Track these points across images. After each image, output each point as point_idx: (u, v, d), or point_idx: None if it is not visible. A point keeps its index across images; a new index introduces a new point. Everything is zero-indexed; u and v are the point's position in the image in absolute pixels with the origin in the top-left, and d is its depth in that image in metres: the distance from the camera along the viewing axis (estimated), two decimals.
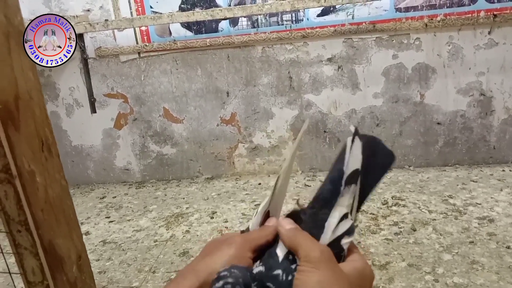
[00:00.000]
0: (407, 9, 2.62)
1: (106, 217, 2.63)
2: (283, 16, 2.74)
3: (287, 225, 0.43)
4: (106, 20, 2.70)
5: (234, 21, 2.79)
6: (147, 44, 2.88)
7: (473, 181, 2.58)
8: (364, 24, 2.66)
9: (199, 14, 2.55)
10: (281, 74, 2.86)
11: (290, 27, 2.75)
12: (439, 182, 2.62)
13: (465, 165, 2.84)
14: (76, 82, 3.05)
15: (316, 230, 0.42)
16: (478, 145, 2.81)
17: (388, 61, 2.73)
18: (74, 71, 3.01)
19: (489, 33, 2.59)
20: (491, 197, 2.34)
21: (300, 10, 2.69)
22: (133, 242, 2.26)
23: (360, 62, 2.76)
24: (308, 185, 2.80)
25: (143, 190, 3.05)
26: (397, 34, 2.66)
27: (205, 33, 2.84)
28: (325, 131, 2.93)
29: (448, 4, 2.57)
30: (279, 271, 0.38)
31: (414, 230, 2.06)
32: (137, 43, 2.91)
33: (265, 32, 2.76)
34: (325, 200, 0.43)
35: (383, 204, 2.37)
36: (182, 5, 2.79)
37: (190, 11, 2.61)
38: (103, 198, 2.98)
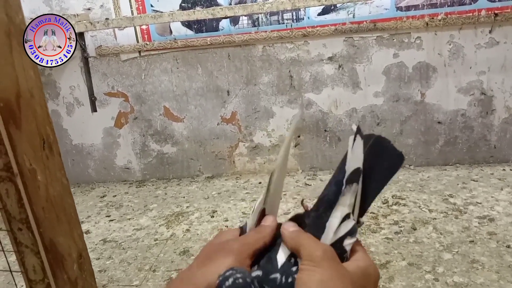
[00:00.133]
0: (408, 8, 2.61)
1: (106, 216, 2.63)
2: (284, 15, 2.74)
3: (290, 228, 0.42)
4: (107, 18, 2.70)
5: (234, 20, 2.79)
6: (148, 43, 2.88)
7: (474, 180, 2.58)
8: (365, 23, 2.66)
9: (199, 13, 2.55)
10: (281, 73, 2.86)
11: (291, 26, 2.75)
12: (439, 181, 2.62)
13: (465, 164, 2.84)
14: (76, 81, 3.05)
15: (318, 232, 0.41)
16: (479, 144, 2.81)
17: (388, 60, 2.73)
18: (74, 70, 3.01)
19: (490, 32, 2.59)
20: (492, 196, 2.34)
21: (301, 9, 2.69)
22: (134, 241, 2.26)
23: (360, 61, 2.76)
24: (308, 184, 2.80)
25: (144, 189, 3.05)
26: (398, 33, 2.66)
27: (205, 32, 2.84)
28: (325, 130, 2.93)
29: (449, 3, 2.57)
30: (277, 275, 0.38)
31: (415, 229, 2.06)
32: (137, 41, 2.91)
33: (265, 31, 2.76)
34: (329, 202, 0.43)
35: (384, 203, 2.37)
36: (183, 4, 2.79)
37: (191, 10, 2.61)
38: (103, 197, 2.98)
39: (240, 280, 0.35)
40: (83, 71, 2.97)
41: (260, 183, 2.91)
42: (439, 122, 2.80)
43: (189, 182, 3.09)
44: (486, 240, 1.91)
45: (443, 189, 2.49)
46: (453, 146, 2.84)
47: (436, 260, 1.80)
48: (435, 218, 2.15)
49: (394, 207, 2.32)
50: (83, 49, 2.89)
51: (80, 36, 2.85)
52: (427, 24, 2.59)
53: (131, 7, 2.83)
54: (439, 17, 2.58)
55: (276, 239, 0.43)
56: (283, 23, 2.75)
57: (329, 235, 0.40)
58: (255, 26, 2.78)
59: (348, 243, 0.40)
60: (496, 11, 2.52)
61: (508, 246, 1.84)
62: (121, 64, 2.97)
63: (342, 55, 2.76)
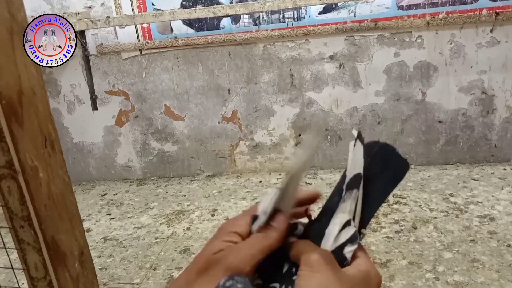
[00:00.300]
0: (409, 7, 2.61)
1: (107, 214, 2.64)
2: (285, 13, 2.74)
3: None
4: (108, 17, 2.70)
5: (235, 19, 2.79)
6: (149, 41, 2.88)
7: (474, 180, 2.58)
8: (366, 21, 2.66)
9: (200, 11, 2.55)
10: (282, 72, 2.85)
11: (292, 24, 2.74)
12: (440, 180, 2.62)
13: (466, 164, 2.84)
14: (77, 79, 3.05)
15: (318, 239, 0.40)
16: (480, 143, 2.81)
17: (389, 59, 2.73)
18: (75, 68, 3.01)
19: (491, 31, 2.58)
20: (492, 196, 2.34)
21: (302, 8, 2.69)
22: (134, 239, 2.27)
23: (361, 60, 2.76)
24: (309, 183, 2.80)
25: (144, 187, 3.05)
26: (399, 32, 2.66)
27: (206, 30, 2.84)
28: (326, 129, 2.93)
29: (450, 2, 2.57)
30: (276, 284, 0.37)
31: (415, 228, 2.06)
32: (138, 40, 2.91)
33: (266, 30, 2.76)
34: (331, 212, 0.41)
35: (384, 202, 2.37)
36: (184, 2, 2.78)
37: (192, 8, 2.60)
38: (104, 195, 2.99)
39: None
40: (84, 69, 2.97)
41: (260, 181, 2.91)
42: (440, 121, 2.80)
43: (190, 180, 3.09)
44: (487, 239, 1.91)
45: (444, 188, 2.49)
46: (453, 145, 2.84)
47: (437, 259, 1.80)
48: (436, 217, 2.15)
49: (395, 206, 2.32)
50: (84, 47, 2.89)
51: (81, 34, 2.85)
52: (428, 23, 2.59)
53: (132, 6, 2.83)
54: (440, 16, 2.58)
55: (285, 247, 0.40)
56: (284, 22, 2.75)
57: (329, 242, 0.39)
58: (256, 24, 2.78)
59: (348, 250, 0.39)
60: (497, 10, 2.52)
61: (509, 245, 1.84)
62: (122, 63, 2.97)
63: (343, 54, 2.76)
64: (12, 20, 0.82)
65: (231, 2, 2.73)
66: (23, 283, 1.49)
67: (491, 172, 2.67)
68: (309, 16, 2.72)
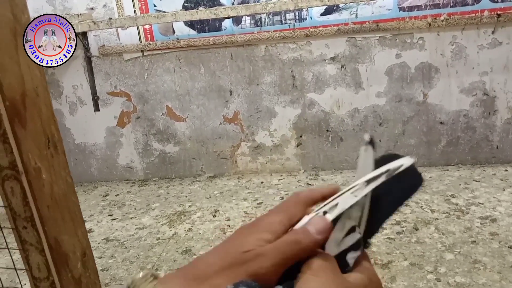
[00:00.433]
0: (410, 9, 2.62)
1: (109, 215, 2.64)
2: (287, 15, 2.74)
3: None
4: (110, 18, 2.71)
5: (237, 20, 2.80)
6: (151, 42, 2.89)
7: (476, 181, 2.58)
8: (367, 23, 2.66)
9: (202, 13, 2.56)
10: (284, 73, 2.86)
11: (294, 26, 2.75)
12: (441, 181, 2.62)
13: (467, 165, 2.84)
14: (79, 80, 3.05)
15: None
16: (481, 144, 2.80)
17: (391, 61, 2.73)
18: (77, 69, 3.02)
19: (492, 32, 2.58)
20: (494, 197, 2.34)
21: (304, 9, 2.69)
22: (136, 240, 2.27)
23: (363, 61, 2.76)
24: (310, 184, 2.80)
25: (146, 188, 3.06)
26: (400, 33, 2.66)
27: (208, 32, 2.84)
28: (327, 130, 2.93)
29: (451, 4, 2.57)
30: (279, 287, 0.36)
31: (417, 229, 2.06)
32: (140, 41, 2.91)
33: (268, 31, 2.76)
34: (337, 218, 0.40)
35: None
36: (186, 4, 2.79)
37: (194, 10, 2.61)
38: (106, 196, 2.99)
39: None
40: (86, 71, 2.98)
41: (262, 182, 2.91)
42: (441, 123, 2.80)
43: (191, 181, 3.09)
44: (488, 240, 1.91)
45: (445, 190, 2.49)
46: (455, 147, 2.83)
47: (438, 260, 1.80)
48: (437, 219, 2.15)
49: None
50: (86, 49, 2.90)
51: (83, 35, 2.86)
52: (429, 24, 2.59)
53: (134, 7, 2.84)
54: (442, 18, 2.58)
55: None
56: (286, 23, 2.76)
57: (331, 247, 0.38)
58: (257, 26, 2.79)
59: (351, 256, 0.38)
60: (499, 12, 2.52)
61: (510, 247, 1.84)
62: (124, 64, 2.98)
63: (345, 55, 2.76)
64: (16, 21, 0.82)
65: (233, 4, 2.73)
66: (25, 283, 1.50)
67: (493, 173, 2.67)
68: (311, 18, 2.73)
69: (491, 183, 2.52)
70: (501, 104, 2.71)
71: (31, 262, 0.90)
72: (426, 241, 1.96)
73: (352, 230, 0.38)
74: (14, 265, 1.10)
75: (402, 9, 2.62)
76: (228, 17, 2.66)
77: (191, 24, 2.85)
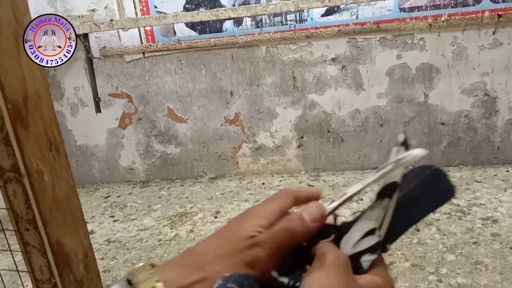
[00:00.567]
0: (411, 9, 2.62)
1: (110, 216, 2.65)
2: (287, 16, 2.74)
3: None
4: (111, 20, 2.72)
5: (238, 21, 2.80)
6: (152, 44, 2.90)
7: (477, 182, 2.58)
8: (368, 24, 2.66)
9: (203, 14, 2.56)
10: (285, 74, 2.86)
11: (294, 27, 2.75)
12: None
13: (469, 166, 2.84)
14: (81, 81, 3.06)
15: (336, 244, 0.38)
16: (482, 145, 2.80)
17: (392, 61, 2.73)
18: (79, 71, 3.03)
19: (493, 33, 2.58)
20: (495, 198, 2.33)
21: (304, 10, 2.70)
22: (138, 241, 2.27)
23: (364, 62, 2.76)
24: (311, 185, 2.81)
25: (147, 190, 3.06)
26: (401, 34, 2.66)
27: (209, 33, 2.85)
28: (328, 131, 2.93)
29: (452, 4, 2.57)
30: (285, 279, 0.35)
31: (418, 231, 2.06)
32: (141, 43, 2.92)
33: (269, 32, 2.76)
34: (357, 219, 0.39)
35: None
36: (187, 5, 2.80)
37: (195, 11, 2.62)
38: (107, 197, 3.00)
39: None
40: (87, 72, 2.99)
41: (263, 183, 2.92)
42: (442, 123, 2.80)
43: (193, 182, 3.10)
44: (490, 241, 1.91)
45: None
46: (456, 147, 2.83)
47: (440, 261, 1.80)
48: (439, 219, 2.15)
49: None
50: (88, 50, 2.90)
51: (84, 37, 2.87)
52: (430, 25, 2.59)
53: (135, 9, 2.84)
54: (443, 18, 2.58)
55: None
56: (287, 24, 2.76)
57: (347, 247, 0.37)
58: (258, 27, 2.79)
59: (366, 259, 0.36)
60: (499, 12, 2.52)
61: None
62: (125, 65, 2.98)
63: (346, 56, 2.76)
64: (18, 24, 0.83)
65: (234, 5, 2.74)
66: (27, 285, 1.50)
67: (494, 174, 2.67)
68: (312, 19, 2.73)
69: (493, 184, 2.52)
70: (502, 105, 2.71)
71: (33, 264, 0.91)
72: (428, 242, 1.96)
73: (371, 232, 0.37)
74: (17, 267, 1.10)
75: (402, 10, 2.63)
76: (229, 19, 2.67)
77: (192, 25, 2.85)
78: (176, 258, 0.36)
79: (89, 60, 2.93)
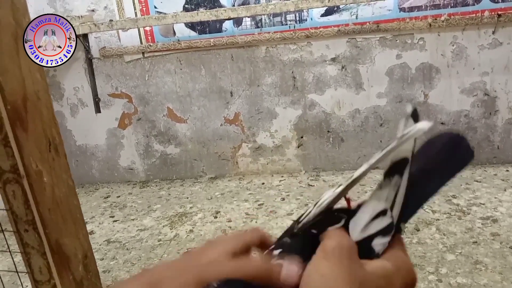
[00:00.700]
0: (411, 9, 2.62)
1: (110, 217, 2.65)
2: (287, 16, 2.74)
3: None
4: (111, 20, 2.72)
5: (238, 21, 2.80)
6: (151, 44, 2.90)
7: (477, 181, 2.58)
8: (368, 24, 2.66)
9: (203, 14, 2.56)
10: (284, 74, 2.86)
11: (294, 27, 2.75)
12: None
13: (468, 165, 2.83)
14: (80, 82, 3.06)
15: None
16: (482, 145, 2.80)
17: (392, 61, 2.73)
18: (78, 71, 3.03)
19: (493, 33, 2.58)
20: (495, 197, 2.33)
21: (304, 10, 2.70)
22: (137, 242, 2.27)
23: (363, 62, 2.76)
24: (311, 185, 2.80)
25: (147, 190, 3.06)
26: (401, 34, 2.66)
27: (209, 33, 2.85)
28: (328, 131, 2.93)
29: (452, 4, 2.57)
30: None
31: (418, 230, 2.06)
32: (141, 43, 2.92)
33: (268, 32, 2.76)
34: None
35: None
36: (186, 5, 2.80)
37: (194, 11, 2.62)
38: (107, 197, 3.00)
39: None
40: (87, 72, 2.99)
41: (263, 183, 2.92)
42: (442, 123, 2.80)
43: (193, 182, 3.10)
44: (490, 241, 1.91)
45: (446, 190, 2.49)
46: None
47: (439, 261, 1.80)
48: (438, 219, 2.15)
49: None
50: (87, 51, 2.90)
51: (84, 37, 2.87)
52: (430, 25, 2.59)
53: (134, 9, 2.84)
54: (442, 18, 2.58)
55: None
56: (286, 24, 2.76)
57: (356, 231, 0.34)
58: (258, 27, 2.79)
59: (378, 243, 0.34)
60: (499, 12, 2.52)
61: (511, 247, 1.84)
62: (125, 65, 2.98)
63: (345, 56, 2.76)
64: (17, 26, 0.83)
65: (233, 5, 2.73)
66: (27, 286, 1.50)
67: (494, 174, 2.67)
68: (311, 19, 2.73)
69: (492, 184, 2.52)
70: (502, 104, 2.71)
71: (32, 264, 0.91)
72: (427, 242, 1.96)
73: (382, 213, 0.35)
74: (16, 268, 1.10)
75: (402, 9, 2.63)
76: (229, 19, 2.66)
77: (191, 25, 2.85)
78: (131, 277, 0.34)
79: (89, 61, 2.93)
